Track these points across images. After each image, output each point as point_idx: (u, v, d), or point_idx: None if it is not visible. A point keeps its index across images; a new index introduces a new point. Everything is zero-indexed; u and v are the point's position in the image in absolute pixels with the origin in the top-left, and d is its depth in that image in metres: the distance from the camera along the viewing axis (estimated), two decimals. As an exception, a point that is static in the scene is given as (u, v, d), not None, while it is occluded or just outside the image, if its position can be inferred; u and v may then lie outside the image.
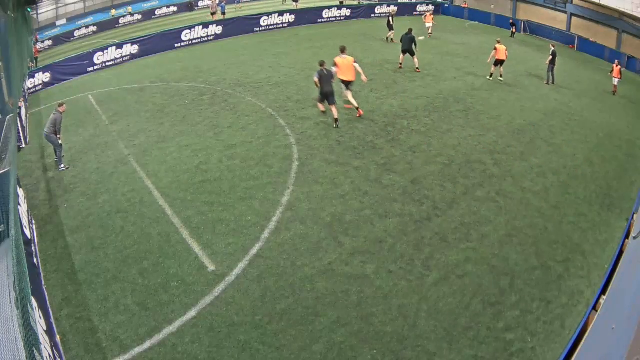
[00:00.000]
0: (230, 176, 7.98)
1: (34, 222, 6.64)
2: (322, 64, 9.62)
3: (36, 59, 22.97)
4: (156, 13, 35.81)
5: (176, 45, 18.91)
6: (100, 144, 9.54)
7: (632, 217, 6.34)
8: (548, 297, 5.43)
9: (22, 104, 10.59)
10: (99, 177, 8.13)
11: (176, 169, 8.30)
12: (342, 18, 25.15)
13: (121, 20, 33.63)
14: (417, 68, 14.59)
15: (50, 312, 4.94)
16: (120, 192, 7.59)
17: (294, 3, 29.28)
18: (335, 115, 9.78)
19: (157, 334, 4.75)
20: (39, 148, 9.65)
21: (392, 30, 19.41)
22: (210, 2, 30.17)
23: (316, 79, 9.55)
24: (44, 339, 3.51)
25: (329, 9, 24.94)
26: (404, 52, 14.54)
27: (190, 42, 19.30)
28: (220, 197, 7.34)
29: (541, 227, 6.82)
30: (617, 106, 13.19)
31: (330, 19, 24.81)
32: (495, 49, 13.90)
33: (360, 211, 6.96)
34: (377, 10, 27.17)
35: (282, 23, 22.63)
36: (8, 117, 7.05)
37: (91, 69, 15.99)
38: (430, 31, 21.48)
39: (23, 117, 10.47)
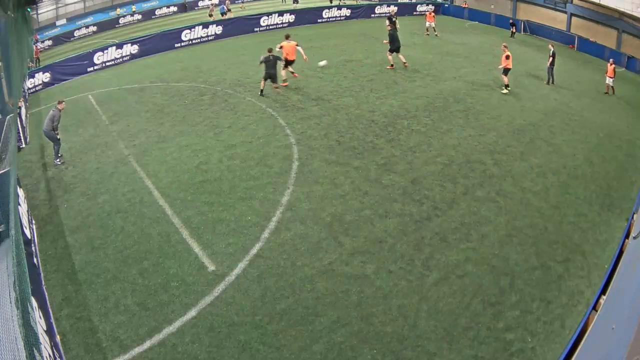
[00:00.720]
0: (230, 176, 7.98)
1: (34, 222, 6.64)
2: (269, 50, 12.04)
3: (38, 59, 23.04)
4: (156, 13, 35.81)
5: (176, 45, 18.91)
6: (100, 144, 9.54)
7: (632, 217, 6.34)
8: (548, 297, 5.43)
9: (22, 104, 10.59)
10: (99, 177, 8.13)
11: (176, 169, 8.30)
12: (342, 18, 25.14)
13: (121, 20, 33.65)
14: (405, 63, 14.79)
15: (50, 312, 4.94)
16: (120, 192, 7.59)
17: (294, 3, 29.26)
18: (262, 86, 12.18)
19: (157, 334, 4.75)
20: (39, 148, 9.65)
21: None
22: (210, 5, 30.27)
23: (261, 60, 11.88)
24: (44, 339, 3.51)
25: (329, 9, 24.94)
26: (392, 51, 14.57)
27: (190, 42, 19.30)
28: (220, 197, 7.34)
29: (541, 227, 6.82)
30: (617, 106, 13.18)
31: (330, 19, 24.80)
32: (508, 57, 12.75)
33: (360, 211, 6.96)
34: (377, 10, 27.16)
35: (282, 23, 22.63)
36: (8, 117, 7.06)
37: (91, 69, 15.99)
38: (434, 31, 21.49)
39: (23, 117, 10.48)
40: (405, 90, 12.76)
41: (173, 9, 36.56)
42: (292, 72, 13.38)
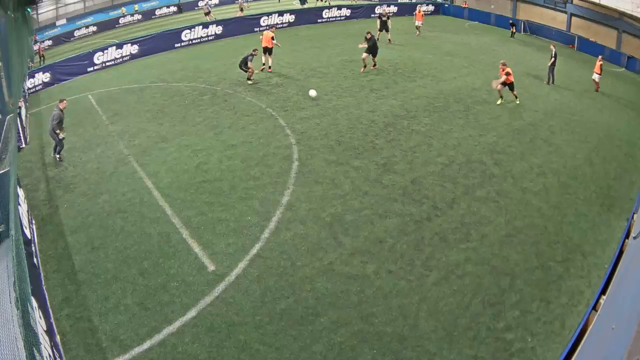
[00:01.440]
0: (230, 176, 7.98)
1: (34, 222, 6.64)
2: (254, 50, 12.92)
3: (43, 56, 23.44)
4: (156, 13, 35.80)
5: (176, 45, 18.90)
6: (100, 144, 9.54)
7: (632, 217, 6.34)
8: (548, 297, 5.43)
9: (22, 104, 10.59)
10: (99, 177, 8.13)
11: (176, 169, 8.30)
12: (342, 18, 25.14)
13: (121, 20, 33.63)
14: (374, 65, 14.62)
15: (50, 312, 4.94)
16: (120, 192, 7.59)
17: (302, 5, 29.02)
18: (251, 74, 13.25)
19: (157, 334, 4.75)
20: (39, 148, 9.65)
21: (387, 30, 19.11)
22: (204, 4, 30.39)
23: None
24: (44, 339, 3.51)
25: (329, 9, 24.95)
26: (369, 52, 14.22)
27: (190, 42, 19.30)
28: (220, 197, 7.34)
29: (541, 227, 6.82)
30: (617, 106, 13.18)
31: (330, 19, 24.80)
32: (509, 73, 11.70)
33: (360, 211, 6.96)
34: (377, 10, 27.14)
35: (282, 23, 22.63)
36: (8, 117, 7.05)
37: (91, 69, 15.98)
38: (417, 30, 21.18)
39: (23, 117, 10.47)
40: (405, 90, 12.76)
41: (173, 9, 36.56)
42: (269, 67, 14.62)
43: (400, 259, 5.95)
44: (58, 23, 33.27)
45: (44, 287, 5.33)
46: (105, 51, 16.48)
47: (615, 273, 4.72)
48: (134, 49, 17.36)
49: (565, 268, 5.98)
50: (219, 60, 16.26)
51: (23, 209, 5.81)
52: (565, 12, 23.86)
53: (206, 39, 19.90)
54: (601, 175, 8.61)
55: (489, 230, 6.64)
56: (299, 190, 7.51)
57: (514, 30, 23.77)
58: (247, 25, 21.38)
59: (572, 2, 23.29)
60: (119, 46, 17.01)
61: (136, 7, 35.14)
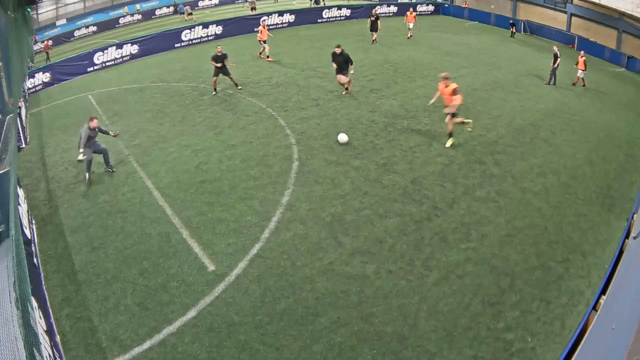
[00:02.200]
0: (230, 176, 7.98)
1: (34, 222, 6.64)
2: (218, 47, 12.37)
3: (47, 53, 23.87)
4: (156, 13, 35.81)
5: (176, 45, 18.91)
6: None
7: (632, 217, 6.34)
8: (548, 297, 5.43)
9: (22, 104, 10.59)
10: (98, 177, 8.13)
11: (176, 169, 8.30)
12: (342, 18, 25.15)
13: (121, 20, 33.64)
14: (347, 89, 12.18)
15: (50, 312, 4.94)
16: (120, 192, 7.59)
17: (315, 4, 28.84)
18: (216, 87, 12.59)
19: (157, 334, 4.75)
20: (39, 148, 9.65)
21: (376, 30, 18.90)
22: (184, 7, 30.96)
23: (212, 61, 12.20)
24: (44, 339, 3.51)
25: (329, 9, 24.95)
26: (341, 71, 11.67)
27: (190, 42, 19.31)
28: (220, 197, 7.34)
29: (541, 227, 6.82)
30: (617, 106, 13.18)
31: (330, 19, 24.81)
32: (456, 91, 8.71)
33: (360, 211, 6.96)
34: (377, 10, 27.13)
35: (282, 23, 22.64)
36: (8, 117, 7.05)
37: (91, 69, 15.98)
38: (410, 33, 20.40)
39: (23, 117, 10.47)
40: (405, 90, 12.76)
41: (173, 9, 36.58)
42: (267, 56, 15.87)
43: (400, 259, 5.95)
44: (58, 23, 33.27)
45: (44, 287, 5.33)
46: (105, 51, 16.49)
47: (615, 273, 4.71)
48: (134, 49, 17.37)
49: (565, 268, 5.98)
50: (219, 60, 16.25)
51: (23, 209, 5.81)
52: (565, 12, 23.87)
53: (206, 39, 19.91)
54: (601, 175, 8.61)
55: (489, 230, 6.64)
56: (299, 190, 7.51)
57: (514, 30, 23.78)
58: (247, 25, 21.38)
59: (572, 2, 23.29)
60: (119, 46, 17.02)
61: (137, 6, 35.17)
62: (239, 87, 12.84)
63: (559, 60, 14.13)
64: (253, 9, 27.60)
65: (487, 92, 13.02)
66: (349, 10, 25.63)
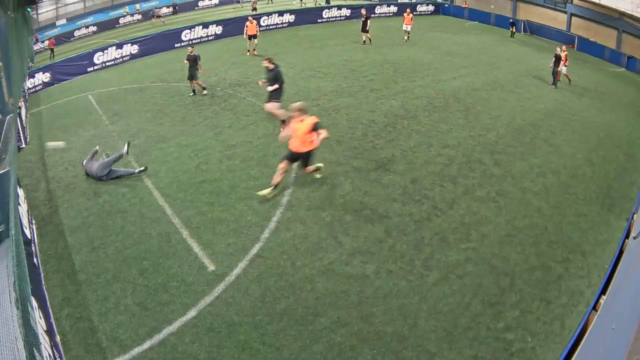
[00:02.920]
0: (230, 176, 7.98)
1: (34, 222, 6.64)
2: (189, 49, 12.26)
3: (52, 51, 24.26)
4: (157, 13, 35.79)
5: (176, 45, 18.91)
6: (100, 144, 9.52)
7: (632, 217, 6.33)
8: (548, 297, 5.43)
9: (22, 104, 10.59)
10: (99, 177, 8.12)
11: (176, 169, 8.30)
12: (342, 18, 25.16)
13: (121, 20, 33.66)
14: (283, 123, 9.53)
15: (50, 312, 4.94)
16: (120, 192, 7.59)
17: (326, 3, 28.67)
18: (193, 87, 12.40)
19: (157, 334, 4.75)
20: (39, 148, 9.65)
21: (366, 31, 18.59)
22: (156, 9, 31.31)
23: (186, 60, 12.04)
24: (44, 339, 3.51)
25: (329, 9, 24.96)
26: (273, 99, 9.55)
27: (190, 42, 19.30)
28: (220, 197, 7.34)
29: (541, 227, 6.82)
30: (617, 106, 13.19)
31: (330, 19, 24.81)
32: (319, 132, 6.54)
33: (360, 211, 6.96)
34: (377, 10, 27.18)
35: (282, 23, 22.65)
36: (8, 117, 7.05)
37: (91, 69, 15.99)
38: (405, 34, 19.65)
39: (23, 117, 10.47)
40: (405, 90, 12.76)
41: (173, 9, 36.59)
42: (253, 50, 16.83)
43: (400, 259, 5.95)
44: (58, 23, 33.29)
45: (44, 287, 5.33)
46: (105, 51, 16.49)
47: (615, 273, 4.71)
48: (134, 49, 17.37)
49: (565, 268, 5.98)
50: (219, 60, 16.27)
51: (23, 209, 5.81)
52: (565, 12, 23.87)
53: (206, 39, 19.92)
54: (601, 175, 8.61)
55: (489, 230, 6.64)
56: (299, 190, 7.51)
57: (514, 30, 23.78)
58: (247, 25, 21.37)
59: (572, 2, 23.29)
60: (119, 46, 17.03)
61: (137, 6, 35.20)
62: (204, 93, 12.30)
63: (560, 62, 14.13)
64: (254, 9, 27.68)
65: (487, 92, 13.02)
66: (349, 10, 25.63)
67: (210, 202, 7.18)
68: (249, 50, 17.21)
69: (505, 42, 21.37)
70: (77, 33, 30.99)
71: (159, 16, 30.31)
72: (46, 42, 26.04)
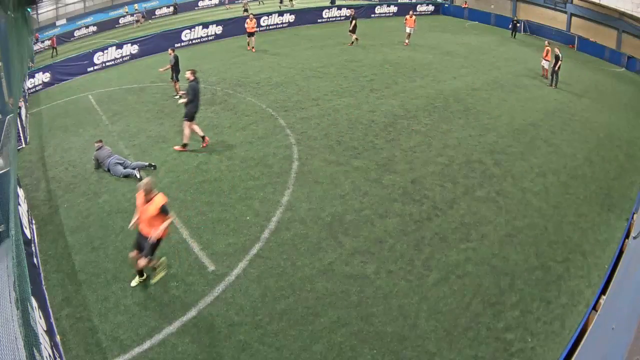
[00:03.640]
0: (230, 176, 7.98)
1: (34, 222, 6.64)
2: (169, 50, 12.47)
3: (55, 49, 24.24)
4: (156, 13, 35.80)
5: (176, 45, 18.88)
6: (100, 144, 9.53)
7: (632, 217, 6.34)
8: (548, 297, 5.43)
9: (22, 104, 10.59)
10: (99, 177, 8.13)
11: (176, 169, 8.29)
12: (342, 18, 25.14)
13: (121, 20, 33.64)
14: (184, 146, 8.94)
15: (50, 312, 4.94)
16: (120, 192, 7.59)
17: (331, 3, 28.31)
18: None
19: (157, 334, 4.75)
20: (39, 148, 9.65)
21: (354, 32, 18.33)
22: (136, 14, 31.93)
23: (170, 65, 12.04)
24: (44, 339, 3.51)
25: (329, 9, 24.95)
26: (188, 118, 8.72)
27: (190, 42, 19.31)
28: (220, 197, 7.34)
29: (541, 227, 6.82)
30: (617, 106, 13.18)
31: (330, 19, 24.81)
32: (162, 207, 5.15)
33: (360, 211, 6.96)
34: (377, 10, 27.17)
35: (282, 23, 22.64)
36: (8, 117, 7.05)
37: (91, 69, 15.98)
38: (407, 38, 19.01)
39: (23, 117, 10.46)
40: (405, 90, 12.76)
41: (173, 9, 36.58)
42: (252, 47, 17.36)
43: (400, 259, 5.95)
44: (58, 23, 33.26)
45: (44, 287, 5.33)
46: (105, 51, 16.48)
47: (615, 273, 4.71)
48: (134, 49, 17.36)
49: (565, 268, 5.98)
50: (219, 60, 16.27)
51: (23, 209, 5.81)
52: (565, 12, 23.85)
53: (206, 39, 19.90)
54: (601, 175, 8.61)
55: (489, 230, 6.64)
56: (299, 190, 7.51)
57: (517, 26, 23.65)
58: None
59: (572, 2, 23.28)
60: (119, 46, 17.01)
61: (136, 6, 35.18)
62: (175, 96, 12.13)
63: (560, 62, 14.12)
64: (246, 10, 27.66)
65: (487, 92, 13.02)
66: (349, 10, 25.62)
67: (210, 202, 7.18)
68: (249, 46, 17.86)
69: (505, 42, 21.36)
70: (77, 33, 30.96)
71: (137, 20, 30.89)
72: (46, 42, 26.03)
